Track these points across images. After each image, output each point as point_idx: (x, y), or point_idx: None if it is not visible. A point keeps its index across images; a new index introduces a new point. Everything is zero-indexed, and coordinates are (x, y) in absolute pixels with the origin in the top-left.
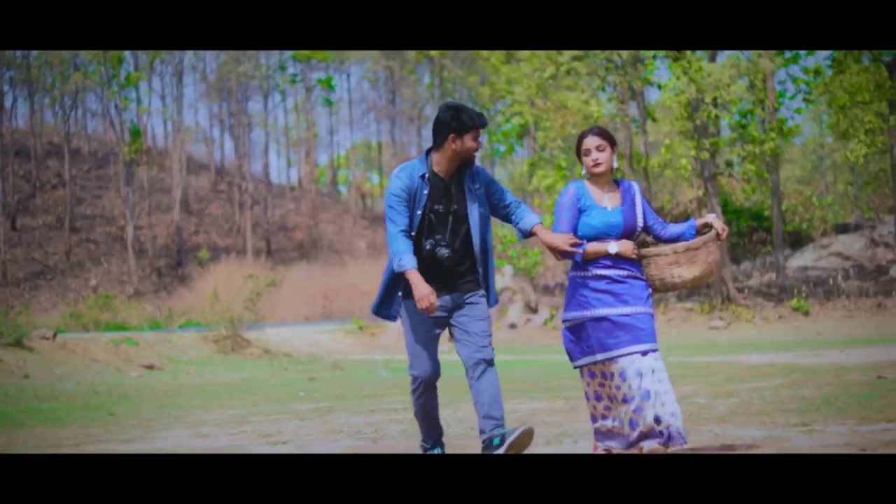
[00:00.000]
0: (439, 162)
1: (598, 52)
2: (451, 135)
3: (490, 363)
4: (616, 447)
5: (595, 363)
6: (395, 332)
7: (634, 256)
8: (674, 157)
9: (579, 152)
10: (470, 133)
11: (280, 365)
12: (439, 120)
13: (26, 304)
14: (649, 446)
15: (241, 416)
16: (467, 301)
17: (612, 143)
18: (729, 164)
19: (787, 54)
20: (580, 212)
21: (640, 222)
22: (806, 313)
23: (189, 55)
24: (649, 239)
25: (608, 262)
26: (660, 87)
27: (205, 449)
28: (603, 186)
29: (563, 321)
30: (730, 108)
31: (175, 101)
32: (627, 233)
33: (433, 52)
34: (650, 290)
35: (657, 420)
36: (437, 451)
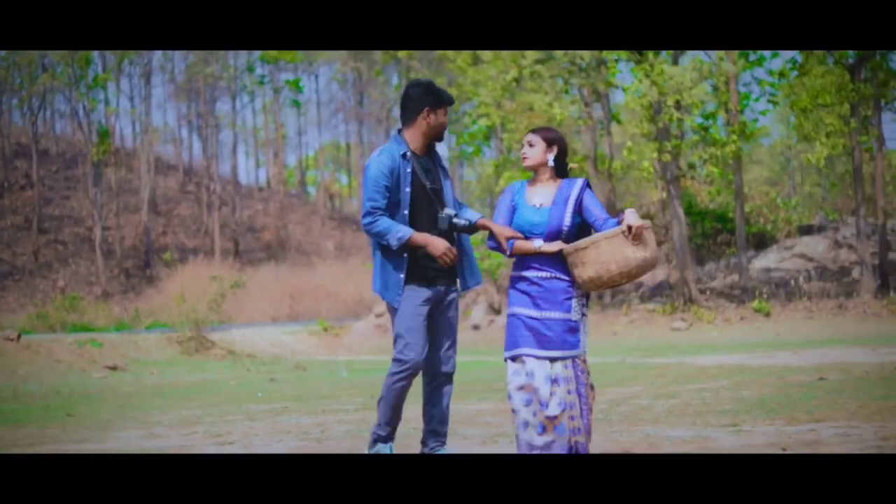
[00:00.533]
0: (413, 139)
1: (560, 55)
2: (426, 108)
3: (450, 378)
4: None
5: (507, 359)
6: (358, 333)
7: (554, 252)
8: (636, 159)
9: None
10: (442, 108)
11: (243, 366)
12: (411, 96)
13: None
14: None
15: (195, 417)
16: (448, 298)
17: (549, 141)
18: (691, 166)
19: (752, 56)
20: (514, 209)
21: (566, 222)
22: (767, 314)
23: (157, 56)
24: None
25: (530, 264)
26: (623, 89)
27: (153, 449)
28: (542, 184)
29: None
30: (692, 111)
31: (143, 102)
32: (551, 231)
33: (400, 54)
34: (572, 294)
35: (557, 430)
36: (389, 445)
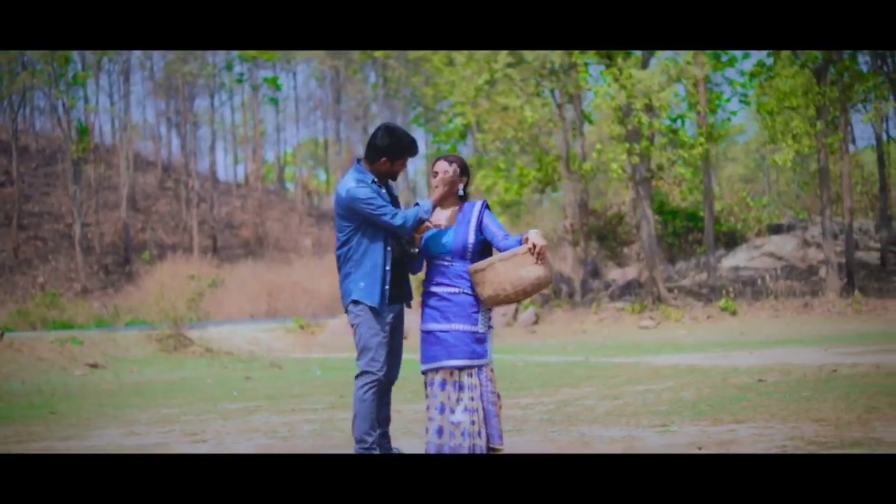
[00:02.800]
0: (373, 172)
1: (531, 58)
2: (385, 157)
3: (392, 384)
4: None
5: (423, 373)
6: (332, 332)
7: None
8: (605, 160)
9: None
10: (400, 160)
11: (220, 364)
12: (377, 142)
13: None
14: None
15: (173, 416)
16: (398, 314)
17: (463, 170)
18: (660, 167)
19: (724, 57)
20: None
21: (471, 239)
22: (734, 313)
23: (136, 54)
24: None
25: (441, 281)
26: (594, 92)
27: (133, 448)
28: (447, 208)
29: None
30: (660, 114)
31: (122, 100)
32: (457, 249)
33: (377, 53)
34: (478, 308)
35: (462, 434)
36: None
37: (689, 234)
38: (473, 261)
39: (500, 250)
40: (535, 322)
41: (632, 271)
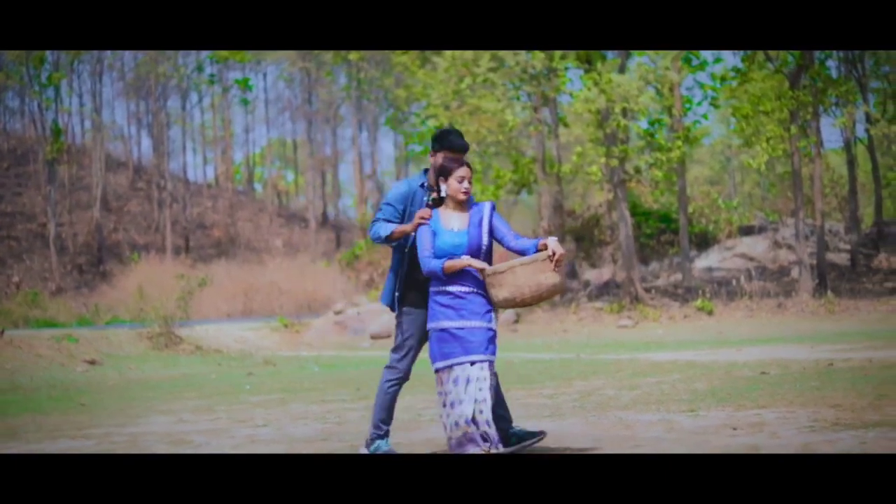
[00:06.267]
0: (430, 175)
1: (513, 63)
2: (431, 150)
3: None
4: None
5: (437, 370)
6: (317, 330)
7: (479, 269)
8: (584, 163)
9: (448, 174)
10: (441, 152)
11: (213, 361)
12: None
13: None
14: (473, 450)
15: (206, 406)
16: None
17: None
18: (637, 170)
19: (695, 61)
20: (434, 234)
21: (485, 241)
22: (710, 313)
23: (108, 54)
24: None
25: (455, 280)
26: (572, 95)
27: (192, 432)
28: (455, 210)
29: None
30: (638, 118)
31: (94, 100)
32: (473, 251)
33: (352, 55)
34: (489, 307)
35: (474, 423)
36: (386, 441)
37: (661, 235)
38: (488, 262)
39: (511, 250)
40: (516, 321)
41: (607, 272)
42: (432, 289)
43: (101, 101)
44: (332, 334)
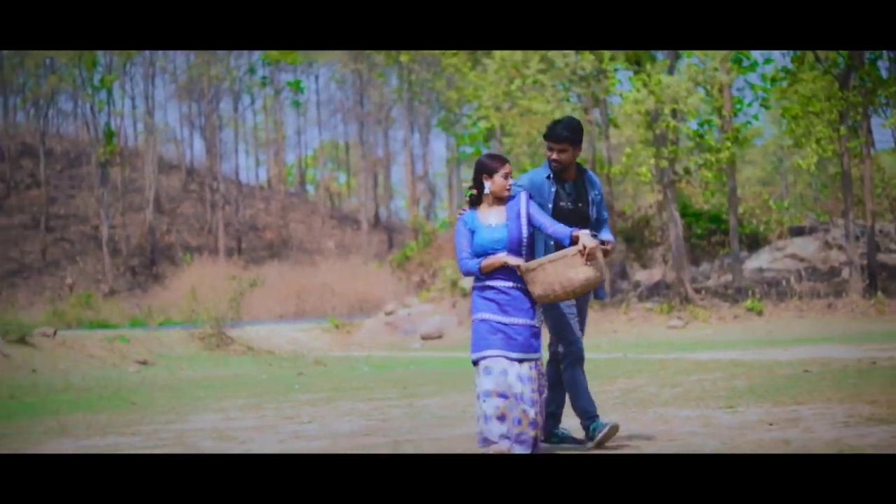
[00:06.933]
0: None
1: (562, 65)
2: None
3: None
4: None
5: (474, 362)
6: (368, 331)
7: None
8: (634, 164)
9: (492, 172)
10: (548, 143)
11: (265, 361)
12: None
13: (11, 302)
14: (496, 449)
15: (254, 404)
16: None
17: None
18: (686, 171)
19: (745, 62)
20: (472, 233)
21: (525, 233)
22: (760, 313)
23: (160, 57)
24: None
25: (497, 275)
26: (622, 97)
27: (238, 429)
28: (492, 206)
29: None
30: (687, 119)
31: (146, 103)
32: (513, 244)
33: (402, 57)
34: (533, 303)
35: (502, 419)
36: (598, 423)
37: (712, 235)
38: (527, 254)
39: (549, 236)
40: None
41: (657, 273)
42: (476, 284)
43: (154, 103)
44: (383, 335)
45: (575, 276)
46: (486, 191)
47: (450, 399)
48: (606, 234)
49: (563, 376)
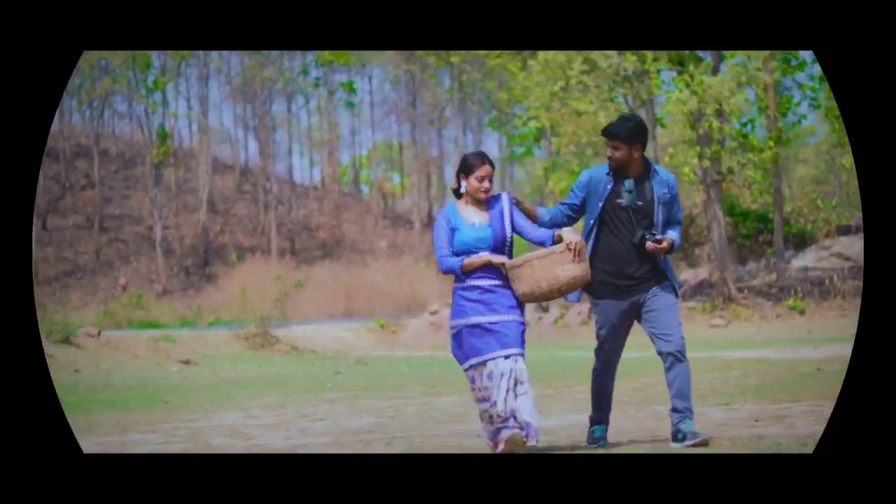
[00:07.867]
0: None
1: (605, 66)
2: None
3: (678, 357)
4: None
5: (470, 367)
6: (414, 330)
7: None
8: (677, 164)
9: (469, 172)
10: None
11: (307, 361)
12: None
13: (63, 302)
14: (506, 433)
15: (281, 402)
16: (645, 300)
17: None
18: (730, 170)
19: (794, 62)
20: (452, 231)
21: (508, 233)
22: (802, 312)
23: (214, 59)
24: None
25: (480, 274)
26: (666, 97)
27: (252, 426)
28: (475, 205)
29: (450, 329)
30: (730, 119)
31: (200, 104)
32: (497, 244)
33: (453, 58)
34: (518, 300)
35: (513, 415)
36: (601, 427)
37: (759, 235)
38: (509, 254)
39: (530, 241)
40: None
41: (703, 272)
42: (457, 284)
43: (208, 104)
44: (427, 335)
45: (562, 274)
46: (462, 190)
47: (465, 397)
48: (672, 234)
49: (594, 380)
